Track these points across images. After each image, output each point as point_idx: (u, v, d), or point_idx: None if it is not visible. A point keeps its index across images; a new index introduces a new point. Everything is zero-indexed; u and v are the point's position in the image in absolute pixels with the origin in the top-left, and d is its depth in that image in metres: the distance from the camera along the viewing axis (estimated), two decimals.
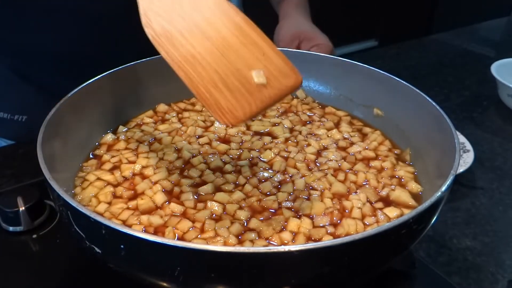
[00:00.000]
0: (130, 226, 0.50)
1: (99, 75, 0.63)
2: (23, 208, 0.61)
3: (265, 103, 0.45)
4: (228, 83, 0.44)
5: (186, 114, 0.72)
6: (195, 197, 0.54)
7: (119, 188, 0.55)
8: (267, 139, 0.66)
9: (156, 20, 0.46)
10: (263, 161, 0.61)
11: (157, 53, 0.72)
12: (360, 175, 0.59)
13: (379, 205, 0.54)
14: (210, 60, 0.45)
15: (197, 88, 0.44)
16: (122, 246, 0.40)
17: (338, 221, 0.51)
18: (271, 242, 0.48)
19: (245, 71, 0.45)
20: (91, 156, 0.62)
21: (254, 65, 0.45)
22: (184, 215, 0.51)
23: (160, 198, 0.53)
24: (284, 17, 0.98)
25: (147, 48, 0.67)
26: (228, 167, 0.59)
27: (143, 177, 0.57)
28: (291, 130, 0.69)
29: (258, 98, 0.44)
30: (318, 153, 0.63)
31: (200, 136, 0.66)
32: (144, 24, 0.46)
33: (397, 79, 0.66)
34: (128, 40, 0.71)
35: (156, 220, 0.50)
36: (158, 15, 0.46)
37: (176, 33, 0.46)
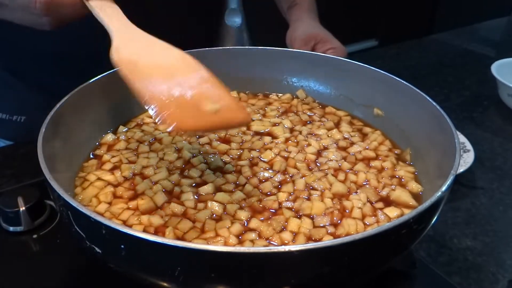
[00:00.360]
0: (130, 226, 0.50)
1: (98, 75, 0.63)
2: (24, 208, 0.61)
3: (213, 125, 0.48)
4: (181, 103, 0.47)
5: None
6: (196, 197, 0.54)
7: (120, 188, 0.55)
8: (267, 139, 0.66)
9: (125, 51, 0.50)
10: (264, 161, 0.61)
11: None
12: (361, 175, 0.59)
13: (380, 205, 0.54)
14: (168, 85, 0.48)
15: (151, 99, 0.46)
16: (122, 246, 0.40)
17: (339, 221, 0.51)
18: (271, 242, 0.48)
19: (199, 99, 0.48)
20: (91, 156, 0.62)
21: (208, 98, 0.48)
22: (184, 215, 0.51)
23: (160, 198, 0.53)
24: (296, 21, 0.98)
25: None
26: (228, 167, 0.59)
27: (144, 177, 0.57)
28: (291, 130, 0.69)
29: (208, 119, 0.47)
30: (319, 153, 0.63)
31: (200, 136, 0.66)
32: (111, 53, 0.50)
33: (397, 79, 0.66)
34: None
35: (156, 220, 0.50)
36: (127, 50, 0.50)
37: (141, 63, 0.49)
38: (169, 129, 0.45)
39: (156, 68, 0.49)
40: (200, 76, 0.51)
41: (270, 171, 0.58)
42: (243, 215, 0.51)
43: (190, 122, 0.46)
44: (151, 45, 0.52)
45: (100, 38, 0.58)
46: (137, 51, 0.51)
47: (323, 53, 0.90)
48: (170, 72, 0.50)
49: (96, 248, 0.43)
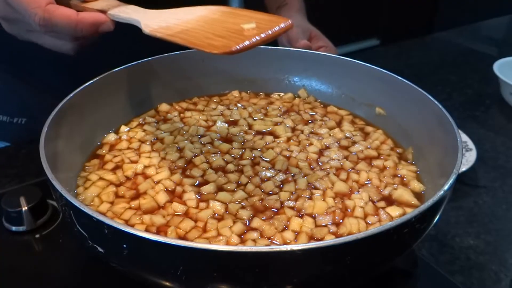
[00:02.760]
0: (132, 226, 0.50)
1: (98, 76, 0.63)
2: (26, 208, 0.61)
3: (257, 39, 0.48)
4: (220, 34, 0.49)
5: (188, 113, 0.72)
6: (198, 196, 0.54)
7: (122, 187, 0.55)
8: (269, 138, 0.66)
9: (153, 24, 0.53)
10: (265, 161, 0.61)
11: (157, 53, 0.73)
12: (362, 174, 0.59)
13: (382, 204, 0.54)
14: (202, 28, 0.50)
15: (191, 42, 0.48)
16: (124, 246, 0.40)
17: (340, 220, 0.51)
18: (273, 241, 0.48)
19: (235, 26, 0.50)
20: (93, 156, 0.62)
21: (244, 22, 0.50)
22: (186, 214, 0.51)
23: (162, 197, 0.53)
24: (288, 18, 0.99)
25: (147, 49, 0.67)
26: (230, 167, 0.59)
27: (146, 176, 0.57)
28: (293, 129, 0.69)
29: (249, 36, 0.48)
30: (320, 152, 0.63)
31: (202, 136, 0.66)
32: (143, 29, 0.52)
33: (399, 78, 0.65)
34: (129, 41, 0.71)
35: (158, 219, 0.50)
36: (156, 22, 0.53)
37: (171, 25, 0.52)
38: (225, 53, 0.46)
39: (188, 21, 0.52)
40: (228, 11, 0.53)
41: (272, 170, 0.58)
42: (245, 214, 0.51)
43: (236, 44, 0.47)
44: (174, 12, 0.55)
45: (100, 39, 0.58)
46: (165, 19, 0.53)
47: (315, 49, 0.91)
48: (201, 19, 0.52)
49: (99, 248, 0.43)
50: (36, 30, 0.54)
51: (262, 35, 0.48)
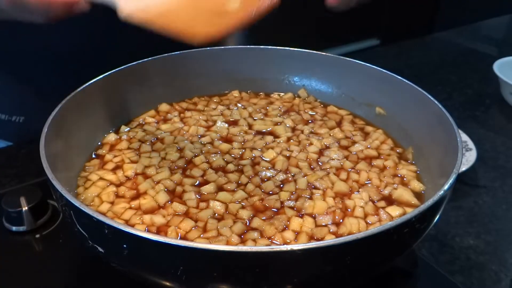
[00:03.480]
0: (132, 226, 0.50)
1: (97, 75, 0.63)
2: (26, 208, 0.61)
3: (236, 22, 0.46)
4: (202, 18, 0.46)
5: (188, 113, 0.72)
6: (198, 196, 0.54)
7: (122, 187, 0.55)
8: (269, 138, 0.66)
9: (130, 5, 0.48)
10: (265, 160, 0.61)
11: (158, 53, 0.73)
12: (362, 174, 0.59)
13: (382, 204, 0.54)
14: (184, 9, 0.47)
15: (169, 28, 0.46)
16: (125, 246, 0.40)
17: (341, 220, 0.51)
18: (273, 241, 0.48)
19: (220, 7, 0.47)
20: (93, 156, 0.62)
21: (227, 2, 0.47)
22: (186, 214, 0.52)
23: (162, 197, 0.53)
24: None
25: (148, 49, 0.67)
26: (230, 167, 0.59)
27: (146, 176, 0.57)
28: (293, 129, 0.69)
29: (231, 19, 0.46)
30: (320, 152, 0.63)
31: (202, 136, 0.66)
32: (119, 13, 0.48)
33: (399, 77, 0.65)
34: (128, 40, 0.71)
35: (158, 219, 0.50)
36: (133, 2, 0.48)
37: (150, 4, 0.47)
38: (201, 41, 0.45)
39: (168, 1, 0.48)
40: None
41: (272, 170, 0.58)
42: (245, 214, 0.51)
43: (222, 27, 0.45)
44: None
45: (99, 39, 0.58)
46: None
47: None
48: None
49: (99, 248, 0.43)
50: (3, 8, 0.52)
51: (247, 17, 0.46)
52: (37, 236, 0.62)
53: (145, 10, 0.47)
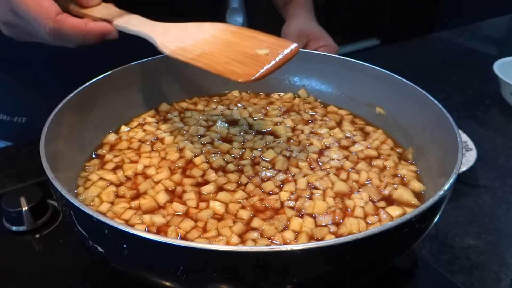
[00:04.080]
0: (132, 226, 0.50)
1: (98, 75, 0.63)
2: (26, 208, 0.61)
3: (272, 65, 0.52)
4: (238, 59, 0.52)
5: (188, 113, 0.72)
6: (198, 196, 0.54)
7: (122, 187, 0.55)
8: (269, 138, 0.65)
9: (170, 44, 0.54)
10: (265, 160, 0.61)
11: (157, 53, 0.73)
12: (363, 174, 0.59)
13: (382, 204, 0.54)
14: (220, 52, 0.53)
15: (214, 68, 0.51)
16: (125, 246, 0.40)
17: (341, 220, 0.51)
18: (273, 241, 0.48)
19: (250, 51, 0.53)
20: (93, 156, 0.62)
21: (256, 47, 0.54)
22: (186, 214, 0.52)
23: (162, 197, 0.53)
24: (291, 17, 0.98)
25: (147, 48, 0.67)
26: (230, 167, 0.59)
27: (146, 176, 0.57)
28: (293, 129, 0.69)
29: (266, 62, 0.52)
30: (320, 152, 0.63)
31: (202, 136, 0.66)
32: (161, 49, 0.54)
33: (400, 77, 0.65)
34: (128, 40, 0.71)
35: (158, 219, 0.50)
36: (171, 42, 0.55)
37: (188, 46, 0.54)
38: (248, 81, 0.50)
39: (203, 42, 0.55)
40: (237, 32, 0.56)
41: (272, 170, 0.58)
42: (245, 214, 0.51)
43: (256, 71, 0.51)
44: (183, 29, 0.57)
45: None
46: (179, 38, 0.55)
47: (315, 50, 0.90)
48: (215, 40, 0.55)
49: (99, 248, 0.43)
50: (42, 37, 0.54)
51: (277, 60, 0.52)
52: (37, 236, 0.62)
53: (184, 49, 0.54)
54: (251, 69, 0.50)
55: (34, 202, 0.62)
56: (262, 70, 0.50)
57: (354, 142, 0.66)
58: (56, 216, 0.65)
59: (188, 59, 0.52)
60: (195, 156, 0.61)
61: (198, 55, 0.53)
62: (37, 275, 0.57)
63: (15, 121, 0.90)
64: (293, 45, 0.54)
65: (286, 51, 0.53)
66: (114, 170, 0.59)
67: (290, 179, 0.57)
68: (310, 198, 0.54)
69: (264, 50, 0.53)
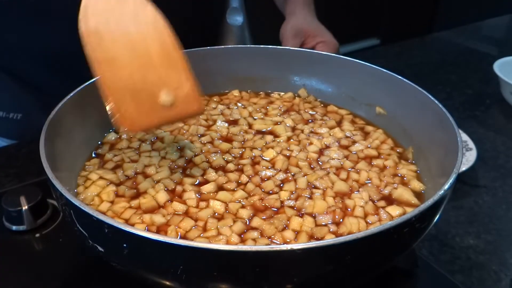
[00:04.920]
0: (132, 225, 0.50)
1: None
2: (26, 207, 0.61)
3: (163, 121, 0.50)
4: (137, 95, 0.48)
5: None
6: (198, 196, 0.54)
7: (122, 187, 0.55)
8: (269, 137, 0.65)
9: (93, 18, 0.48)
10: (266, 160, 0.61)
11: None
12: (363, 173, 0.59)
13: (382, 203, 0.54)
14: (129, 69, 0.48)
15: (109, 91, 0.47)
16: (125, 245, 0.40)
17: (341, 220, 0.51)
18: (273, 240, 0.48)
19: (156, 88, 0.49)
20: (93, 155, 0.62)
21: (166, 85, 0.49)
22: (186, 214, 0.52)
23: (162, 197, 0.53)
24: (289, 15, 0.98)
25: None
26: (230, 166, 0.59)
27: (146, 176, 0.57)
28: (293, 128, 0.69)
29: (158, 115, 0.49)
30: (320, 152, 0.63)
31: (202, 135, 0.66)
32: (80, 18, 0.48)
33: (400, 77, 0.65)
34: None
35: (158, 219, 0.50)
36: (97, 14, 0.48)
37: (107, 35, 0.48)
38: (122, 130, 0.47)
39: (121, 42, 0.48)
40: (166, 50, 0.50)
41: (272, 169, 0.58)
42: (245, 213, 0.51)
43: (142, 121, 0.48)
44: (122, 3, 0.49)
45: None
46: (105, 14, 0.48)
47: (312, 47, 0.90)
48: (134, 47, 0.49)
49: (99, 247, 0.43)
50: None
51: (169, 120, 0.49)
52: (37, 235, 0.62)
53: (99, 39, 0.48)
54: (139, 117, 0.47)
55: (34, 201, 0.62)
56: (147, 127, 0.49)
57: (354, 142, 0.66)
58: (56, 215, 0.65)
59: (94, 59, 0.47)
60: (195, 155, 0.61)
61: (106, 59, 0.47)
62: (37, 275, 0.57)
63: (10, 118, 0.90)
64: (201, 108, 0.51)
65: (187, 113, 0.50)
66: (114, 169, 0.59)
67: (290, 178, 0.57)
68: (310, 198, 0.54)
69: (168, 98, 0.48)
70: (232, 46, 0.77)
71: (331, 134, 0.67)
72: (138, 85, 0.48)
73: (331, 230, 0.50)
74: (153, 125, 0.49)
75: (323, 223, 0.51)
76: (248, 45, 0.82)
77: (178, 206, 0.52)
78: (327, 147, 0.64)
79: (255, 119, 0.70)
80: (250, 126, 0.69)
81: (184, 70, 0.50)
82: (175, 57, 0.50)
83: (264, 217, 0.51)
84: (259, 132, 0.67)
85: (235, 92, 0.78)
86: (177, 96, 0.49)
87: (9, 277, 0.57)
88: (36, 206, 0.62)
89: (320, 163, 0.61)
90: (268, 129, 0.68)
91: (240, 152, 0.62)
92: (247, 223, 0.50)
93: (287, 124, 0.69)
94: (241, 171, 0.58)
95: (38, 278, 0.57)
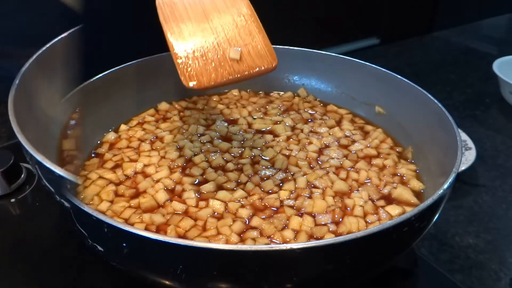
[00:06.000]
0: (132, 225, 0.50)
1: (97, 75, 0.63)
2: None
3: (232, 77, 0.49)
4: (205, 53, 0.49)
5: (187, 112, 0.72)
6: (197, 195, 0.54)
7: (121, 186, 0.55)
8: (268, 137, 0.65)
9: None
10: (265, 159, 0.61)
11: (157, 52, 0.72)
12: (362, 173, 0.59)
13: (381, 203, 0.54)
14: (199, 30, 0.50)
15: (178, 51, 0.49)
16: (124, 245, 0.40)
17: (340, 219, 0.51)
18: (273, 240, 0.48)
19: (225, 45, 0.49)
20: (92, 154, 0.62)
21: (236, 41, 0.50)
22: (186, 213, 0.52)
23: (162, 196, 0.53)
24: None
25: (147, 48, 0.67)
26: (230, 165, 0.59)
27: (145, 175, 0.57)
28: (293, 128, 0.69)
29: (227, 71, 0.48)
30: (320, 151, 0.63)
31: (202, 135, 0.66)
32: None
33: (399, 77, 0.65)
34: (129, 40, 0.71)
35: (158, 218, 0.50)
36: None
37: (180, 3, 0.51)
38: (191, 86, 0.47)
39: (194, 8, 0.51)
40: (237, 13, 0.52)
41: (272, 169, 0.58)
42: (244, 213, 0.51)
43: (210, 77, 0.48)
44: None
45: (99, 37, 0.58)
46: None
47: None
48: (207, 11, 0.51)
49: (98, 247, 0.43)
50: None
51: (238, 76, 0.49)
52: (12, 200, 0.60)
53: (173, 7, 0.50)
54: (207, 74, 0.47)
55: (6, 165, 0.60)
56: (214, 84, 0.47)
57: (353, 141, 0.66)
58: (31, 179, 0.63)
59: (164, 22, 0.49)
60: (195, 155, 0.61)
61: (177, 23, 0.49)
62: (14, 240, 0.56)
63: None
64: (271, 65, 0.51)
65: (257, 69, 0.49)
66: (113, 169, 0.59)
67: (289, 178, 0.57)
68: (310, 197, 0.54)
69: (235, 54, 0.49)
70: None
71: (331, 133, 0.67)
72: (207, 44, 0.49)
73: (330, 229, 0.50)
74: (221, 82, 0.49)
75: (323, 223, 0.51)
76: None
77: (177, 206, 0.52)
78: (327, 146, 0.64)
79: (254, 119, 0.70)
80: (249, 125, 0.69)
81: (257, 26, 0.52)
82: (247, 20, 0.52)
83: (264, 217, 0.51)
84: (258, 131, 0.67)
85: (235, 92, 0.78)
86: (248, 52, 0.50)
87: None
88: (8, 170, 0.60)
89: (320, 163, 0.61)
90: (268, 128, 0.68)
91: (240, 151, 0.62)
92: (247, 222, 0.50)
93: (287, 124, 0.69)
94: (240, 170, 0.58)
95: (16, 244, 0.56)
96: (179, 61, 0.48)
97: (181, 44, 0.49)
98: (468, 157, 0.78)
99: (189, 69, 0.48)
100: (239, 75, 0.49)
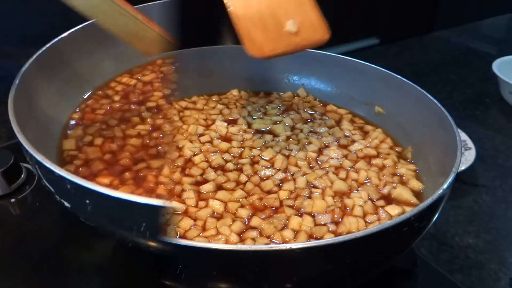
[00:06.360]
0: None
1: None
2: None
3: (290, 47, 0.52)
4: (265, 24, 0.52)
5: (187, 112, 0.72)
6: (197, 195, 0.54)
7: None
8: (268, 137, 0.65)
9: None
10: (265, 159, 0.61)
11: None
12: (362, 173, 0.59)
13: (381, 203, 0.54)
14: (258, 2, 0.52)
15: (239, 22, 0.52)
16: (87, 201, 0.39)
17: (340, 219, 0.51)
18: (272, 240, 0.48)
19: (282, 18, 0.52)
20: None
21: (292, 14, 0.53)
22: (185, 213, 0.51)
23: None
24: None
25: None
26: (229, 165, 0.59)
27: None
28: (292, 128, 0.69)
29: (285, 42, 0.52)
30: (320, 151, 0.63)
31: (201, 135, 0.66)
32: None
33: (399, 77, 0.65)
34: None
35: None
36: None
37: None
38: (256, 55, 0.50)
39: None
40: None
41: (271, 169, 0.58)
42: (244, 213, 0.51)
43: (269, 48, 0.51)
44: None
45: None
46: None
47: None
48: None
49: (65, 203, 0.43)
50: None
51: (297, 47, 0.52)
52: (12, 200, 0.60)
53: None
54: (267, 43, 0.50)
55: (6, 165, 0.60)
56: (275, 53, 0.50)
57: (353, 141, 0.66)
58: (31, 179, 0.63)
59: (229, 2, 0.52)
60: (194, 154, 0.61)
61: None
62: (14, 240, 0.56)
63: None
64: (326, 36, 0.53)
65: (311, 41, 0.52)
66: None
67: (289, 178, 0.57)
68: (309, 197, 0.54)
69: (293, 27, 0.52)
70: (231, 45, 0.77)
71: (330, 133, 0.67)
72: (266, 15, 0.52)
73: (330, 229, 0.50)
74: (279, 52, 0.52)
75: (322, 223, 0.51)
76: None
77: (177, 206, 0.52)
78: (326, 146, 0.64)
79: (254, 119, 0.70)
80: (249, 125, 0.69)
81: (310, 2, 0.54)
82: None
83: (263, 217, 0.51)
84: (258, 131, 0.67)
85: (234, 92, 0.78)
86: (302, 24, 0.52)
87: None
88: (8, 170, 0.60)
89: (319, 163, 0.61)
90: (267, 128, 0.68)
91: (239, 151, 0.62)
92: (246, 222, 0.50)
93: (286, 124, 0.69)
94: (240, 170, 0.58)
95: (16, 244, 0.56)
96: (243, 29, 0.51)
97: (244, 14, 0.52)
98: (467, 157, 0.78)
99: (251, 38, 0.51)
100: (295, 46, 0.52)
